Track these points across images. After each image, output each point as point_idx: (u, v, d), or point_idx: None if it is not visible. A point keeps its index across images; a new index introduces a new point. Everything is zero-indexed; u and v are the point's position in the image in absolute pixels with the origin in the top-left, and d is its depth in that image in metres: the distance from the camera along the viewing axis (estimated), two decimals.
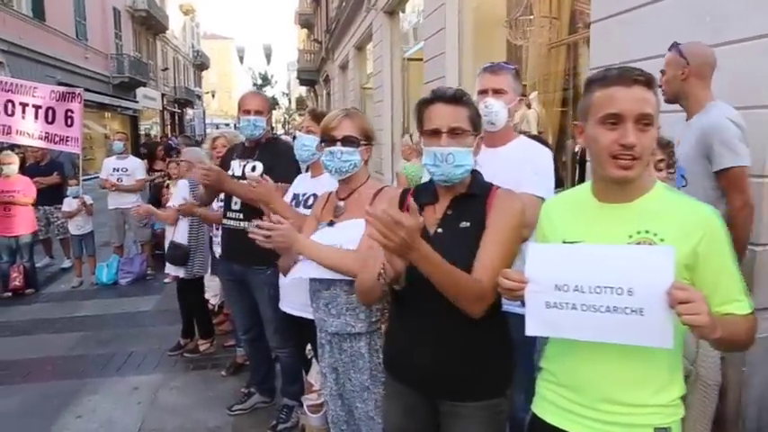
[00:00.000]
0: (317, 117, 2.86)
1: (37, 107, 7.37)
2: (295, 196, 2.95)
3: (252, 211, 3.06)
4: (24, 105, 7.35)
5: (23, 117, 7.35)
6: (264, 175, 2.88)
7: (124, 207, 7.42)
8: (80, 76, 21.28)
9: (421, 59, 10.39)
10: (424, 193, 1.94)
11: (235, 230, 3.35)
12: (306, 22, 36.43)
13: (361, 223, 2.20)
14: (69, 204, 7.31)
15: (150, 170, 8.61)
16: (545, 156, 2.57)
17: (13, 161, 6.95)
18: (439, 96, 1.83)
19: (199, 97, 52.10)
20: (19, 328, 5.80)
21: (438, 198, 1.90)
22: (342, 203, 2.35)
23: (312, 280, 2.37)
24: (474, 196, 1.86)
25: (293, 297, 2.87)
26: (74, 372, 4.62)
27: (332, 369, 2.39)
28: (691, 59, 2.69)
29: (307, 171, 3.18)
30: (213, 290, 5.73)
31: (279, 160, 3.30)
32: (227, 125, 55.37)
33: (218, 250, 4.13)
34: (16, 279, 6.89)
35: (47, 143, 7.56)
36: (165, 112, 38.64)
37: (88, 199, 7.37)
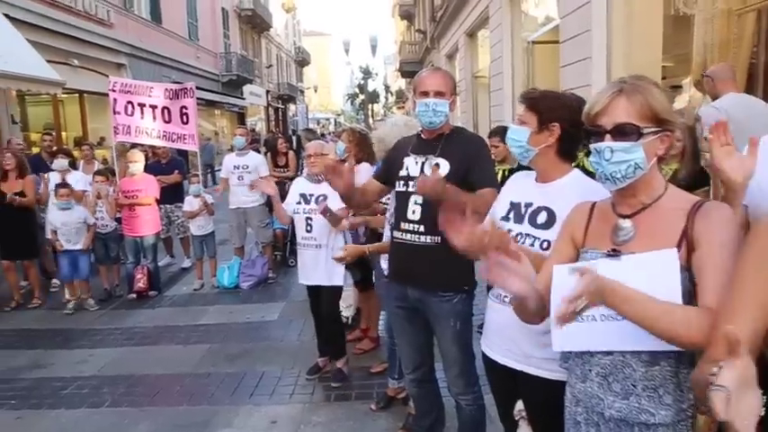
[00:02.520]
0: (535, 103, 1.96)
1: (153, 107, 7.47)
2: (514, 206, 2.07)
3: (436, 222, 2.30)
4: (142, 106, 7.49)
5: (142, 117, 7.49)
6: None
7: (246, 206, 7.05)
8: (192, 75, 21.77)
9: (550, 42, 9.38)
10: None
11: (411, 246, 2.60)
12: (406, 14, 35.78)
13: (670, 258, 1.37)
14: (190, 204, 7.01)
15: (274, 166, 8.15)
16: None
17: (139, 159, 6.69)
18: None
19: (301, 92, 52.96)
20: (144, 335, 5.48)
21: None
22: (627, 223, 1.50)
23: None
24: None
25: (499, 339, 2.11)
26: (204, 395, 4.13)
27: None
28: None
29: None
30: (347, 300, 5.15)
31: (475, 159, 2.47)
32: (327, 120, 56.36)
33: (386, 266, 3.42)
34: (140, 281, 6.67)
35: (165, 141, 7.62)
36: (270, 108, 39.39)
37: (209, 198, 7.06)
